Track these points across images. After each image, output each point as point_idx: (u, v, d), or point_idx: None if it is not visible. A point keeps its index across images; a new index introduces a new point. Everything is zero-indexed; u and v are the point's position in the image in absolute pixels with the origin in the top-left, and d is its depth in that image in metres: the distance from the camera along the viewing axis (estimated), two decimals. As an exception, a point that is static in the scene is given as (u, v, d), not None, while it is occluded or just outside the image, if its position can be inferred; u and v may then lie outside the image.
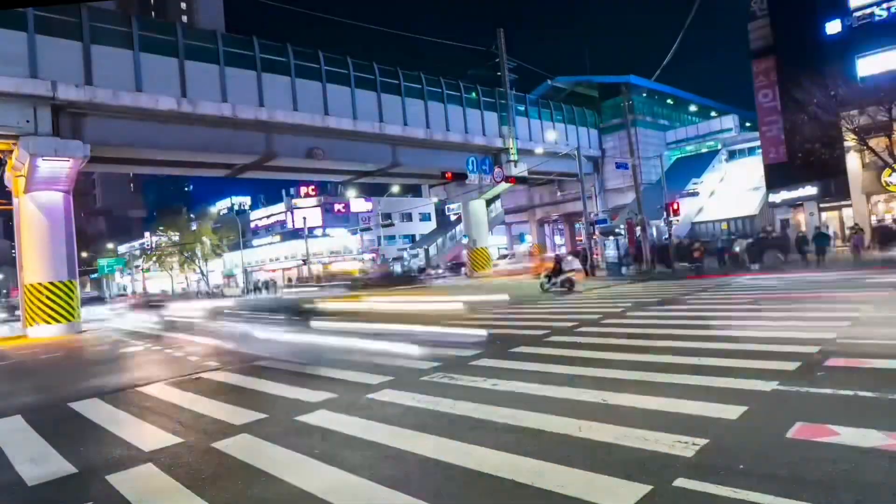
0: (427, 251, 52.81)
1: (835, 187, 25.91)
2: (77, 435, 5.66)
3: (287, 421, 5.46)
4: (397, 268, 46.67)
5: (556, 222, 55.42)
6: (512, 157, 35.37)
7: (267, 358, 9.23)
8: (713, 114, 52.15)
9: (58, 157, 18.94)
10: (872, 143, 21.35)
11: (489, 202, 37.21)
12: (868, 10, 24.58)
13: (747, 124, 44.98)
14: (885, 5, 24.15)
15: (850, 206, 25.28)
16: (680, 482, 3.31)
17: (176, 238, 59.89)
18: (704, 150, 45.07)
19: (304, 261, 50.73)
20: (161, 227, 62.96)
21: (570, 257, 26.71)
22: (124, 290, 69.15)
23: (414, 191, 62.82)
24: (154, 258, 62.38)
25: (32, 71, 18.78)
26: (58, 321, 19.11)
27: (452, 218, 57.60)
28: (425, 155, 32.64)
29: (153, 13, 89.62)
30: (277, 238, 66.24)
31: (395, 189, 55.06)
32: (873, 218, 24.76)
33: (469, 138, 33.70)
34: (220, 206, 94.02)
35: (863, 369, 5.54)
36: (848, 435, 3.80)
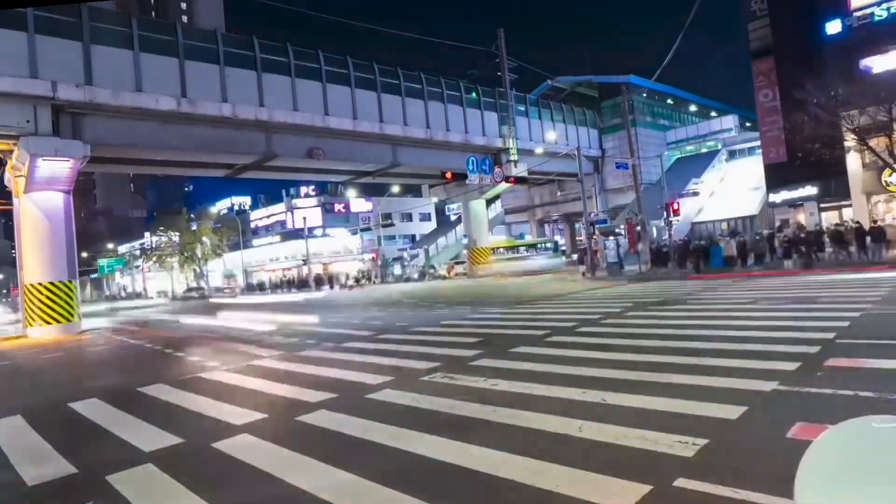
0: (427, 251, 52.83)
1: (835, 187, 25.84)
2: (77, 434, 5.66)
3: (287, 421, 5.47)
4: None
5: (557, 222, 55.48)
6: (512, 157, 35.38)
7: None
8: (713, 114, 52.17)
9: (58, 157, 18.91)
10: (872, 143, 21.28)
11: (489, 202, 37.28)
12: (868, 10, 24.49)
13: (747, 124, 45.00)
14: (885, 5, 24.07)
15: (850, 206, 25.23)
16: (680, 482, 3.30)
17: (176, 238, 59.84)
18: (704, 151, 45.07)
19: (304, 261, 50.73)
20: (161, 228, 62.91)
21: None
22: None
23: (414, 191, 62.68)
24: (154, 258, 62.34)
25: (32, 71, 18.77)
26: (58, 321, 19.11)
27: (452, 218, 57.63)
28: (425, 155, 32.65)
29: (153, 13, 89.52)
30: (277, 238, 66.20)
31: (395, 189, 54.95)
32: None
33: (469, 138, 33.71)
34: (220, 206, 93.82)
35: (863, 369, 5.54)
36: (848, 435, 3.79)
